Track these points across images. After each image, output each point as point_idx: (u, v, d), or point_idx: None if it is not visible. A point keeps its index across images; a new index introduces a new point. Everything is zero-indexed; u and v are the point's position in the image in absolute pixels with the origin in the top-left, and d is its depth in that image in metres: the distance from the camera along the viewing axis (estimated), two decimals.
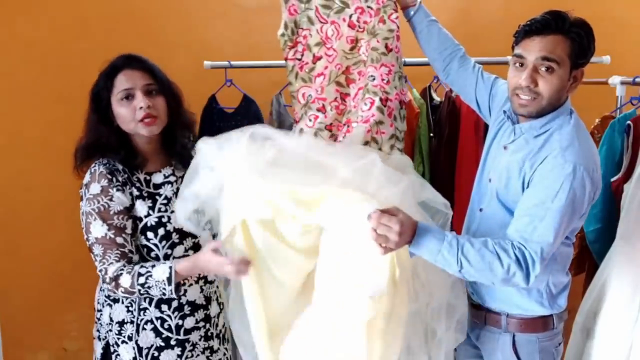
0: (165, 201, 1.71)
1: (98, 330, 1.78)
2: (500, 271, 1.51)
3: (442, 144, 2.36)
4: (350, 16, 1.98)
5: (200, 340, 1.78)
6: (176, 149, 1.78)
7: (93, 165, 1.67)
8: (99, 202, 1.63)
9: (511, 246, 1.52)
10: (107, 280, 1.63)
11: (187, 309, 1.75)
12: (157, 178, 1.74)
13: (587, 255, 2.30)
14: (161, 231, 1.69)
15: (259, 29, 2.75)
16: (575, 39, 1.56)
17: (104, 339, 1.75)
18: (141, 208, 1.68)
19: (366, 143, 1.90)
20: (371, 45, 1.97)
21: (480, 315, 1.76)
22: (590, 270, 2.28)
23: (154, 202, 1.70)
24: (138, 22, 2.75)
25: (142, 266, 1.63)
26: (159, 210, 1.70)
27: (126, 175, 1.68)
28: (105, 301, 1.73)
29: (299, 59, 2.00)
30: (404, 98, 2.01)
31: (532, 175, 1.60)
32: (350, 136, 1.93)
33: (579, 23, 1.58)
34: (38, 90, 2.73)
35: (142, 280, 1.61)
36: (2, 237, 2.79)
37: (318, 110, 2.01)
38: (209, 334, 1.81)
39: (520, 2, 2.83)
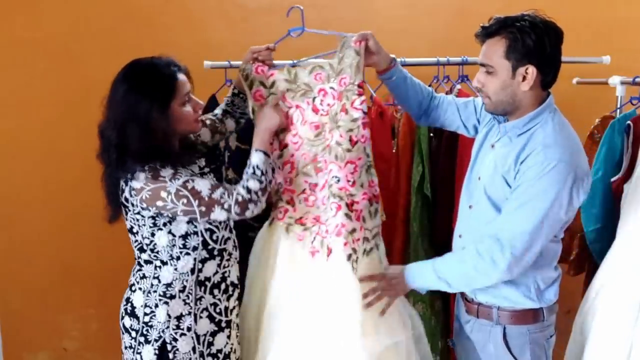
0: (214, 177, 1.83)
1: (143, 335, 1.75)
2: (476, 264, 1.64)
3: (442, 144, 2.36)
4: (314, 99, 1.91)
5: (236, 318, 1.88)
6: (197, 148, 1.88)
7: (136, 173, 1.66)
8: (182, 174, 1.69)
9: (484, 242, 1.64)
10: (244, 198, 1.72)
11: (230, 290, 1.85)
12: (195, 169, 1.80)
13: (587, 255, 2.30)
14: None
15: (259, 29, 2.75)
16: (510, 38, 1.59)
17: (157, 340, 1.75)
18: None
19: (349, 257, 1.81)
20: (334, 138, 1.87)
21: (472, 308, 1.81)
22: (590, 270, 2.28)
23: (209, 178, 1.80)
24: (138, 22, 2.75)
25: (245, 172, 1.78)
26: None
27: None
28: (161, 300, 1.74)
29: (270, 144, 1.90)
30: (374, 192, 1.90)
31: (516, 175, 1.63)
32: (332, 258, 1.84)
33: (518, 21, 1.60)
34: (38, 90, 2.74)
35: (258, 172, 1.76)
36: (2, 237, 2.80)
37: (287, 202, 1.95)
38: (237, 312, 1.91)
39: (520, 3, 2.83)
